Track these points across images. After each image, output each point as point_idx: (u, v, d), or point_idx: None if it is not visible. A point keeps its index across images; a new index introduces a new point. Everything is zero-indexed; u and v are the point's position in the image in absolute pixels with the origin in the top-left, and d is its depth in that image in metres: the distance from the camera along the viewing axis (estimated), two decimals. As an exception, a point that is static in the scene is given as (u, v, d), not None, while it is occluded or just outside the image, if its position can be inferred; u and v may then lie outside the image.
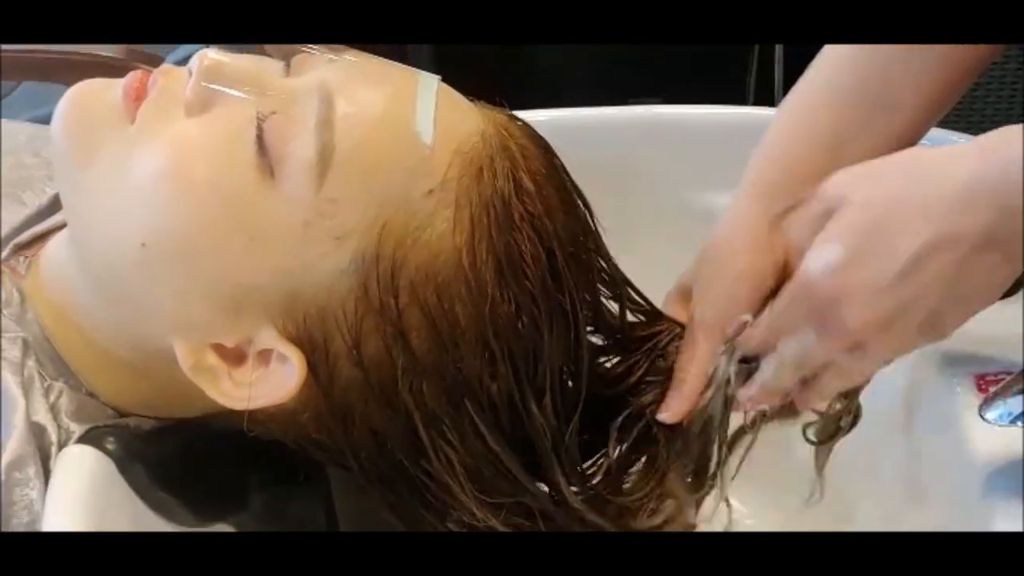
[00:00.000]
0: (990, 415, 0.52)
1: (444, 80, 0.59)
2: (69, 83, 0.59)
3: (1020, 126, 0.50)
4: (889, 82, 0.62)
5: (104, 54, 1.17)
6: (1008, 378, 0.53)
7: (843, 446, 0.64)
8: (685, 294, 0.65)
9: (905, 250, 0.51)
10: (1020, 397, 0.51)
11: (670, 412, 0.63)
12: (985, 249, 0.51)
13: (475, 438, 0.57)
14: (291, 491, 0.65)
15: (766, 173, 0.64)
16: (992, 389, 0.54)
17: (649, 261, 0.67)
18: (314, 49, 0.58)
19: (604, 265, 0.62)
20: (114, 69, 1.10)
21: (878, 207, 0.53)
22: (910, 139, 0.63)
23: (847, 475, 0.68)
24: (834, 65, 0.64)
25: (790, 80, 0.67)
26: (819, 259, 0.54)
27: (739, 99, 1.46)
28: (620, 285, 0.63)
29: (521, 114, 0.61)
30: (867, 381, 0.60)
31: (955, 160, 0.52)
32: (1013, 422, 0.52)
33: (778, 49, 1.39)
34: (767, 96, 1.43)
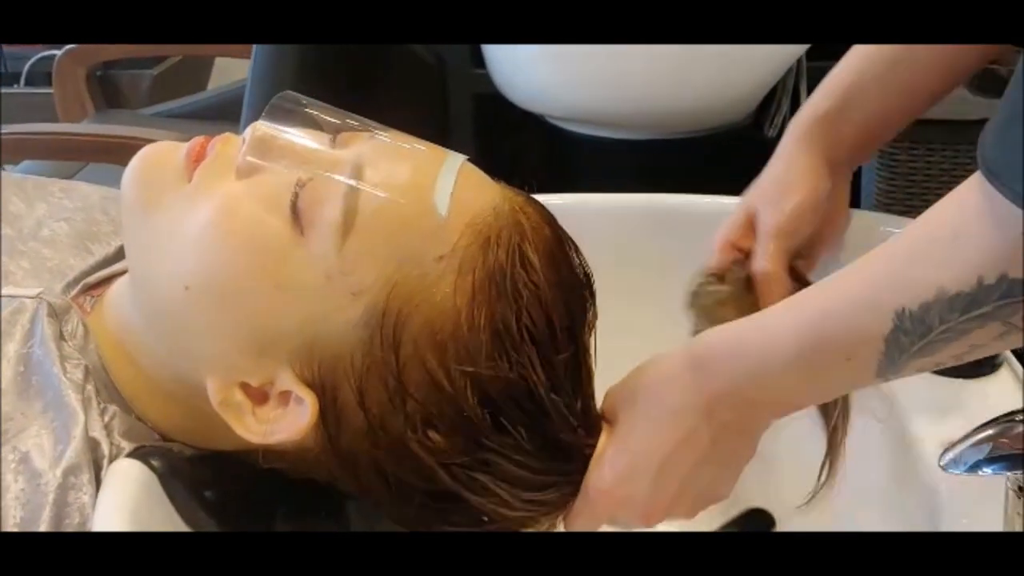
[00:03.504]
0: (944, 462, 0.57)
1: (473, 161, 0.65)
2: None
3: (728, 328, 0.62)
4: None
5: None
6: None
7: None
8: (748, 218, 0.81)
9: (653, 465, 0.63)
10: (973, 448, 0.56)
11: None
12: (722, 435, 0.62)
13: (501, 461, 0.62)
14: (314, 524, 0.71)
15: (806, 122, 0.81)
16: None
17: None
18: (359, 128, 0.65)
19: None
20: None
21: (629, 436, 0.64)
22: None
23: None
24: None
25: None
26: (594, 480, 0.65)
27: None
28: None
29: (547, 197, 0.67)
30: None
31: (671, 383, 0.63)
32: (968, 471, 0.57)
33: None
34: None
